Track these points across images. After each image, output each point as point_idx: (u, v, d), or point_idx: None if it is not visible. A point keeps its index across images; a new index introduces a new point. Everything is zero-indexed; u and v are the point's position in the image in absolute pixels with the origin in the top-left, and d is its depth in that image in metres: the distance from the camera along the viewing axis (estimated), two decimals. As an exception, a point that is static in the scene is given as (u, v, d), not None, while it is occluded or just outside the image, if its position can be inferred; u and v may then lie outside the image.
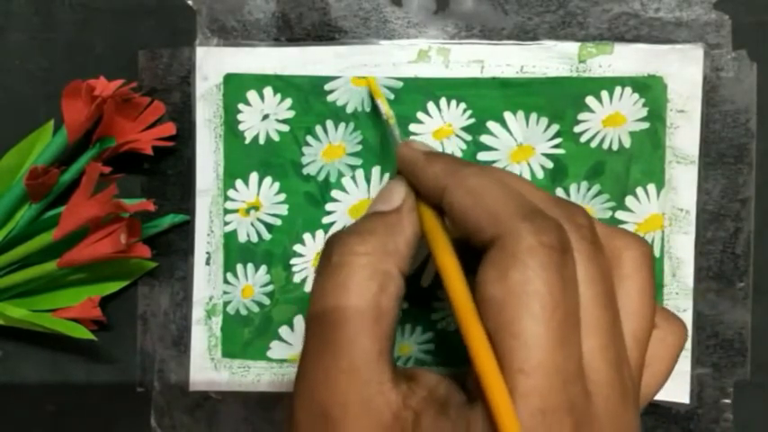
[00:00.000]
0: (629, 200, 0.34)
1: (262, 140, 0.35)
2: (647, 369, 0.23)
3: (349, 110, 0.34)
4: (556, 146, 0.34)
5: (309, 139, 0.34)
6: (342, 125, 0.34)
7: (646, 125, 0.34)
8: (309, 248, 0.35)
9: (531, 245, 0.19)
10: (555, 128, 0.34)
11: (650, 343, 0.23)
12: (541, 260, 0.19)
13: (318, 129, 0.34)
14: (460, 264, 0.22)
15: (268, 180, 0.35)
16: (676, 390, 0.34)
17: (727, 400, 0.34)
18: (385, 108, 0.32)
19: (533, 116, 0.34)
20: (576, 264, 0.20)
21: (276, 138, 0.35)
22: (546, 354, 0.18)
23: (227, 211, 0.35)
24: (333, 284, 0.22)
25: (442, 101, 0.34)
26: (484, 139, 0.34)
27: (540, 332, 0.18)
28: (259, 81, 0.34)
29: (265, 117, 0.35)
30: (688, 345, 0.34)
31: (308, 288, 0.35)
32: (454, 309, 0.21)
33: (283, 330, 0.35)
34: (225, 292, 0.35)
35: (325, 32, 0.34)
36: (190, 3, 0.35)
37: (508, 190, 0.21)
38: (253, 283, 0.35)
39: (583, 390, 0.19)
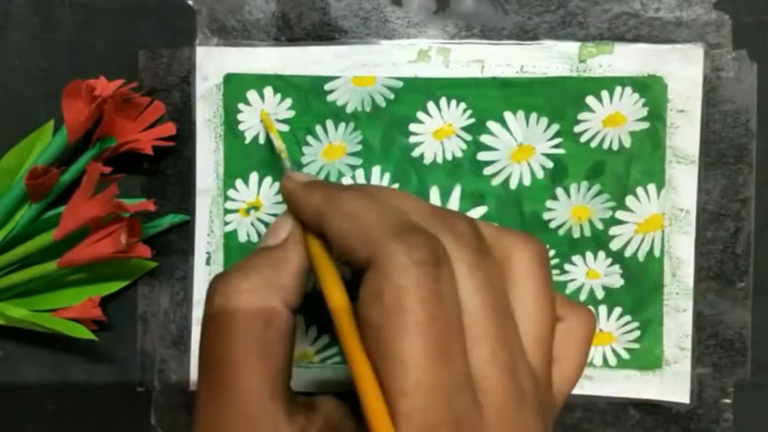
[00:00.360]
0: (629, 200, 0.34)
1: (262, 140, 0.35)
2: (556, 364, 0.23)
3: (349, 110, 0.34)
4: (556, 146, 0.34)
5: (309, 138, 0.34)
6: (342, 125, 0.34)
7: (646, 125, 0.34)
8: (309, 248, 0.35)
9: (402, 263, 0.19)
10: (555, 128, 0.34)
11: (556, 337, 0.23)
12: (414, 277, 0.19)
13: (318, 129, 0.34)
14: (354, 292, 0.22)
15: (268, 180, 0.35)
16: (676, 390, 0.34)
17: (728, 400, 0.34)
18: (277, 141, 0.32)
19: (533, 116, 0.34)
20: (455, 275, 0.20)
21: (276, 138, 0.35)
22: (424, 371, 0.18)
23: (227, 211, 0.35)
24: (217, 326, 0.21)
25: (443, 101, 0.34)
26: (484, 138, 0.34)
27: (417, 350, 0.18)
28: (259, 81, 0.34)
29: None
30: (688, 344, 0.34)
31: (307, 288, 0.35)
32: (339, 338, 0.20)
33: (283, 330, 0.35)
34: (225, 292, 0.35)
35: (326, 32, 0.34)
36: (190, 3, 0.35)
37: (384, 209, 0.21)
38: (253, 282, 0.35)
39: (471, 401, 0.19)
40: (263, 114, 0.34)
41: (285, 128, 0.35)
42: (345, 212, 0.21)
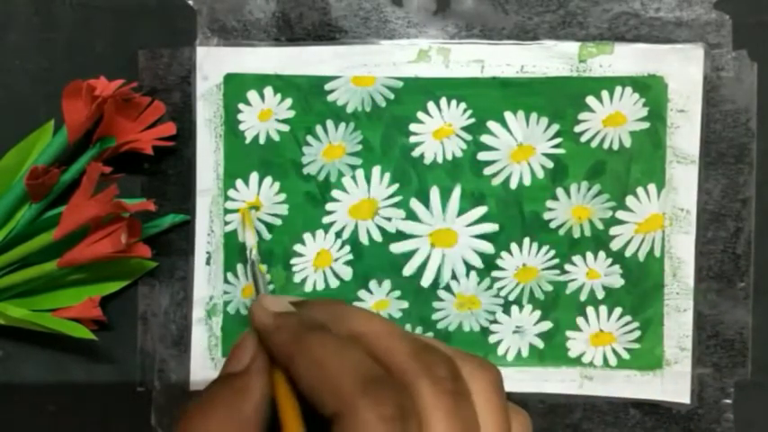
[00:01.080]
0: (629, 200, 0.34)
1: (262, 140, 0.35)
2: None
3: (349, 110, 0.34)
4: (556, 145, 0.34)
5: (310, 138, 0.34)
6: (342, 125, 0.34)
7: (646, 125, 0.34)
8: (309, 248, 0.35)
9: (367, 420, 0.19)
10: (555, 127, 0.34)
11: None
12: None
13: (318, 128, 0.34)
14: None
15: (268, 180, 0.35)
16: (677, 390, 0.34)
17: (728, 401, 0.34)
18: (252, 242, 0.32)
19: (533, 116, 0.34)
20: (431, 423, 0.20)
21: (276, 138, 0.35)
22: None
23: (227, 211, 0.35)
24: None
25: (443, 100, 0.34)
26: (484, 138, 0.34)
27: None
28: (259, 81, 0.34)
29: (266, 117, 0.35)
30: (688, 345, 0.34)
31: (308, 288, 0.35)
32: None
33: (283, 330, 0.35)
34: (225, 292, 0.35)
35: (326, 32, 0.34)
36: (190, 3, 0.35)
37: (354, 357, 0.20)
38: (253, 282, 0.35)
39: None
40: (244, 210, 0.33)
41: (285, 128, 0.35)
42: (314, 360, 0.21)
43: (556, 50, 0.34)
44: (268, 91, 0.34)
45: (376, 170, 0.34)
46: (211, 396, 0.22)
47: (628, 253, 0.34)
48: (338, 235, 0.35)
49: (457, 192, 0.34)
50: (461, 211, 0.34)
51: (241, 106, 0.35)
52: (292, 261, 0.35)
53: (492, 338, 0.35)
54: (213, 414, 0.21)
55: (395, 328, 0.22)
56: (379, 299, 0.35)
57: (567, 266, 0.34)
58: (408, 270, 0.35)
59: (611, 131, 0.34)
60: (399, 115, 0.34)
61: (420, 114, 0.34)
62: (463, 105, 0.34)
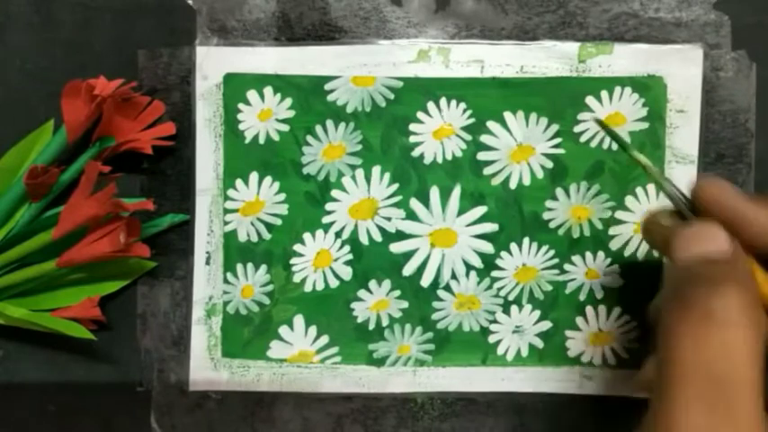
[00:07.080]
0: (628, 200, 0.34)
1: (262, 140, 0.35)
2: None
3: (349, 110, 0.34)
4: (556, 145, 0.34)
5: (309, 138, 0.34)
6: (342, 125, 0.34)
7: (645, 125, 0.34)
8: (309, 248, 0.35)
9: None
10: (555, 128, 0.34)
11: None
12: None
13: (318, 128, 0.34)
14: None
15: (268, 180, 0.35)
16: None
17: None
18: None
19: (533, 116, 0.34)
20: None
21: (276, 137, 0.35)
22: None
23: (227, 211, 0.35)
24: (720, 346, 0.21)
25: (442, 100, 0.34)
26: (484, 138, 0.34)
27: None
28: (259, 81, 0.34)
29: (266, 117, 0.35)
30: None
31: (307, 287, 0.35)
32: None
33: (283, 330, 0.35)
34: (225, 292, 0.35)
35: (326, 32, 0.34)
36: (190, 2, 0.35)
37: None
38: (253, 282, 0.35)
39: None
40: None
41: (285, 128, 0.35)
42: None
43: (555, 50, 0.34)
44: (268, 91, 0.35)
45: (376, 170, 0.34)
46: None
47: (627, 253, 0.34)
48: (338, 235, 0.35)
49: (457, 192, 0.34)
50: (461, 211, 0.34)
51: (241, 106, 0.35)
52: (292, 261, 0.35)
53: (492, 338, 0.35)
54: (746, 297, 0.21)
55: None
56: (379, 299, 0.35)
57: (567, 266, 0.34)
58: (408, 270, 0.35)
59: (610, 131, 0.34)
60: (399, 115, 0.34)
61: (420, 114, 0.34)
62: (463, 105, 0.34)
